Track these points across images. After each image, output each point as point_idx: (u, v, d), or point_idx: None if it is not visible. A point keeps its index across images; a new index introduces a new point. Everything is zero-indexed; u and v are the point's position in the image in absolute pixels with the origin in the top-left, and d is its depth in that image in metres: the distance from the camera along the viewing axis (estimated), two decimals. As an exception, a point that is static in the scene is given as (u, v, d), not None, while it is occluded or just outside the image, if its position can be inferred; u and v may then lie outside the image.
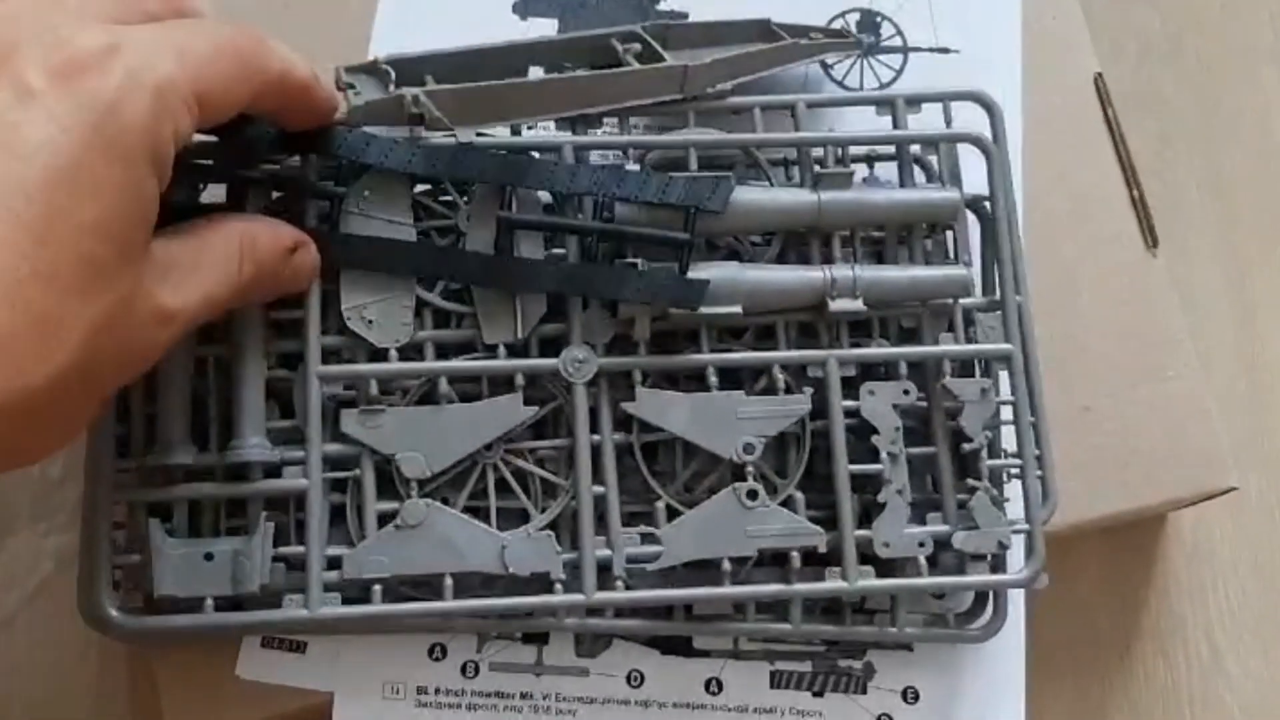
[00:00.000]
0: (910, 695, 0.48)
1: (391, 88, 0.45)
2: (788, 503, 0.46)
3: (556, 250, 0.46)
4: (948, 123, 0.49)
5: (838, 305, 0.46)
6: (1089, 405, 0.51)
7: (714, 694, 0.48)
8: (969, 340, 0.47)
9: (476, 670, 0.47)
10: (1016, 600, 0.48)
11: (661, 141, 0.47)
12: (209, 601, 0.42)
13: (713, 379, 0.46)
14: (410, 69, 0.46)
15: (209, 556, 0.42)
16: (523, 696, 0.47)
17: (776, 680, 0.48)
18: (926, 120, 0.49)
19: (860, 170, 0.50)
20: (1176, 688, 0.55)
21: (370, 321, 0.44)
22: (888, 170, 0.50)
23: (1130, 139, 0.54)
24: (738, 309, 0.45)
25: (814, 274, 0.46)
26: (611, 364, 0.45)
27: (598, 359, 0.45)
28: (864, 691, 0.48)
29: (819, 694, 0.48)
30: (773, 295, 0.46)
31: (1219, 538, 0.57)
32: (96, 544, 0.42)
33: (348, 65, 0.47)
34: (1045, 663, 0.50)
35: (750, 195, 0.46)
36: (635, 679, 0.47)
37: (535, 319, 0.45)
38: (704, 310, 0.45)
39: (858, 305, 0.46)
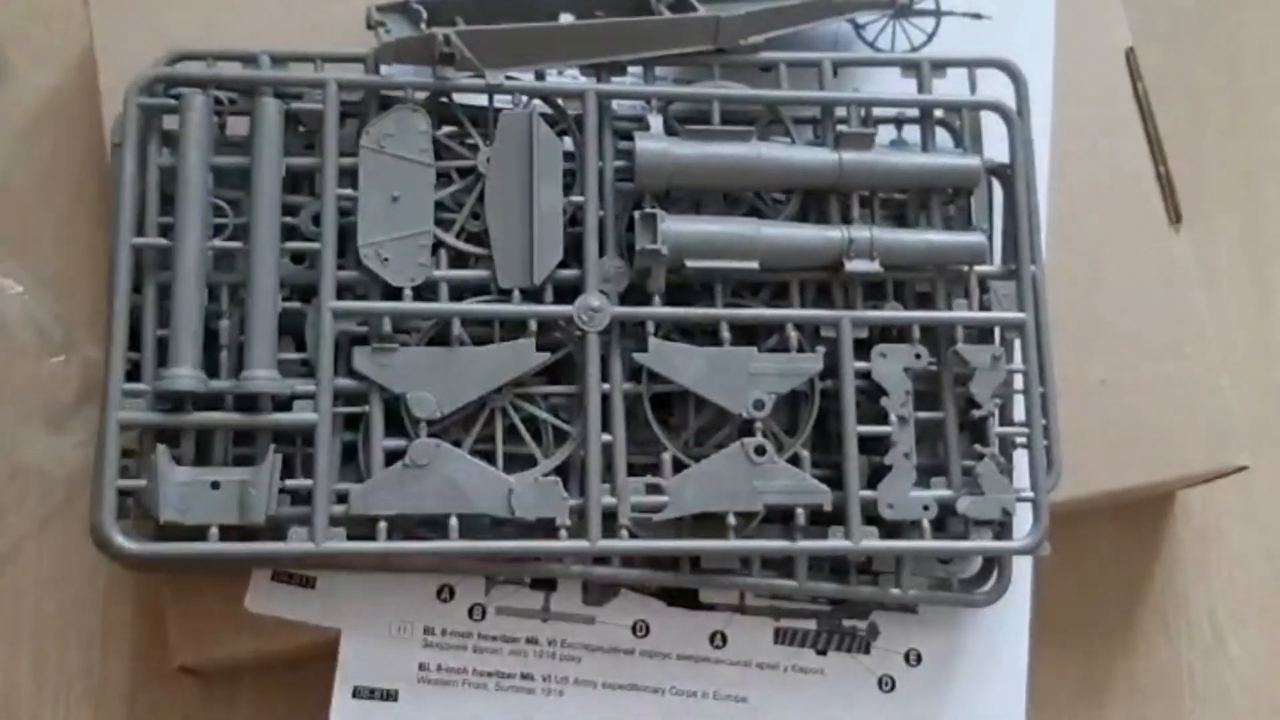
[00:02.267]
0: (913, 657, 0.48)
1: (422, 27, 0.45)
2: (795, 460, 0.46)
3: (576, 198, 0.46)
4: (972, 88, 0.49)
5: (854, 266, 0.46)
6: (1106, 378, 0.51)
7: (718, 647, 0.48)
8: (983, 307, 0.47)
9: (484, 613, 0.47)
10: (1022, 568, 0.48)
11: (686, 93, 0.47)
12: (213, 530, 0.42)
13: (725, 334, 0.46)
14: (441, 10, 0.46)
15: (215, 485, 0.42)
16: (528, 641, 0.47)
17: (781, 637, 0.48)
18: (954, 85, 0.49)
19: (888, 132, 0.50)
20: (1177, 664, 0.55)
21: (386, 259, 0.44)
22: (915, 133, 0.49)
23: (1160, 116, 0.53)
24: (754, 264, 0.45)
25: (832, 233, 0.46)
26: (625, 314, 0.45)
27: (612, 308, 0.45)
28: (867, 652, 0.48)
29: (822, 652, 0.48)
30: (790, 252, 0.46)
31: (1227, 518, 0.57)
32: (105, 467, 0.42)
33: (379, 3, 0.47)
34: (1049, 633, 0.50)
35: (772, 151, 0.46)
36: (641, 629, 0.48)
37: (551, 264, 0.45)
38: (720, 264, 0.45)
39: (874, 267, 0.46)
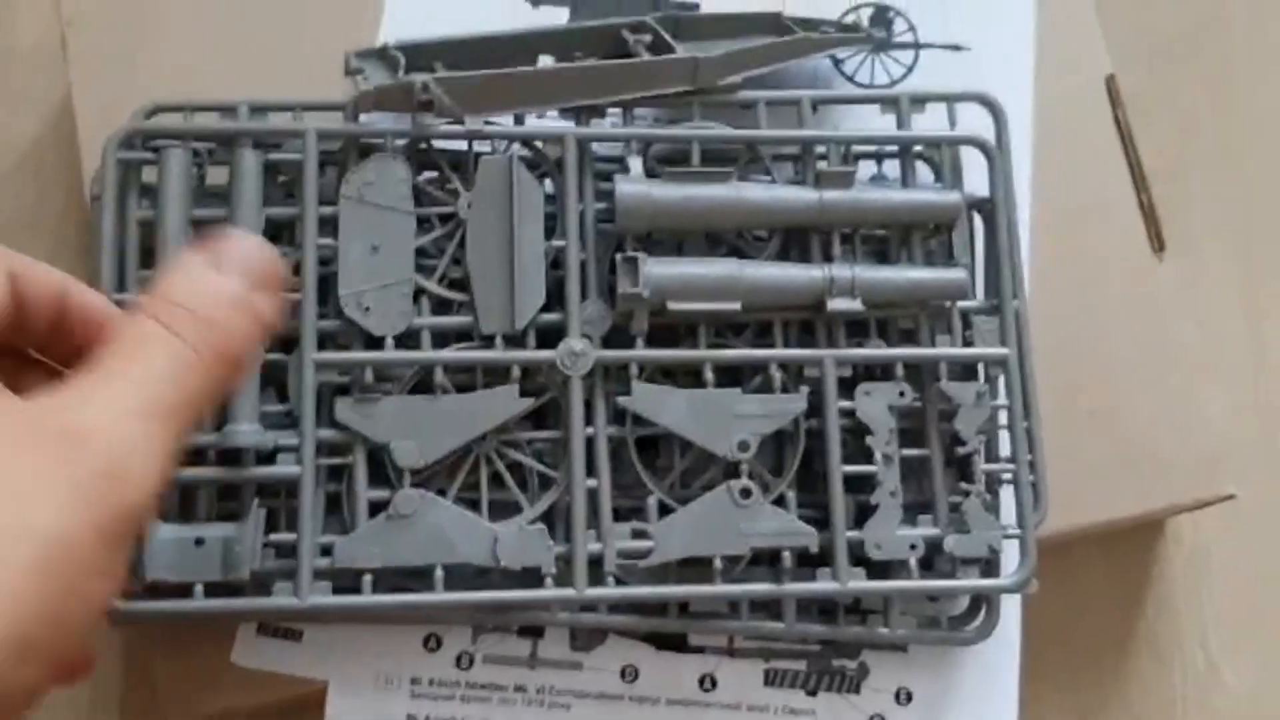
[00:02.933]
0: (904, 696, 0.48)
1: (401, 73, 0.45)
2: (780, 501, 0.46)
3: (557, 242, 0.45)
4: (952, 123, 0.49)
5: (836, 304, 0.46)
6: (1093, 408, 0.51)
7: (708, 690, 0.47)
8: (966, 343, 0.47)
9: (471, 662, 0.47)
10: (1011, 603, 0.48)
11: (665, 135, 0.47)
12: (199, 587, 0.42)
13: (709, 375, 0.45)
14: (420, 55, 0.46)
15: (199, 542, 0.42)
16: (517, 689, 0.47)
17: (771, 678, 0.48)
18: (935, 118, 0.49)
19: (868, 168, 0.50)
20: (1171, 694, 0.55)
21: (367, 309, 0.44)
22: (896, 167, 0.49)
23: (1143, 141, 0.53)
24: (737, 305, 0.45)
25: (814, 273, 0.46)
26: (608, 357, 0.45)
27: (595, 352, 0.45)
28: (858, 691, 0.48)
29: (813, 693, 0.48)
30: (772, 293, 0.46)
31: (1217, 544, 0.56)
32: None
33: (357, 50, 0.47)
34: (1041, 665, 0.50)
35: (752, 192, 0.46)
36: (629, 674, 0.47)
37: (534, 309, 0.45)
38: (702, 306, 0.45)
39: (856, 305, 0.46)
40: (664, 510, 0.45)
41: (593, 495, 0.44)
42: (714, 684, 0.47)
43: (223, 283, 0.33)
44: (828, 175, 0.47)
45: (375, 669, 0.46)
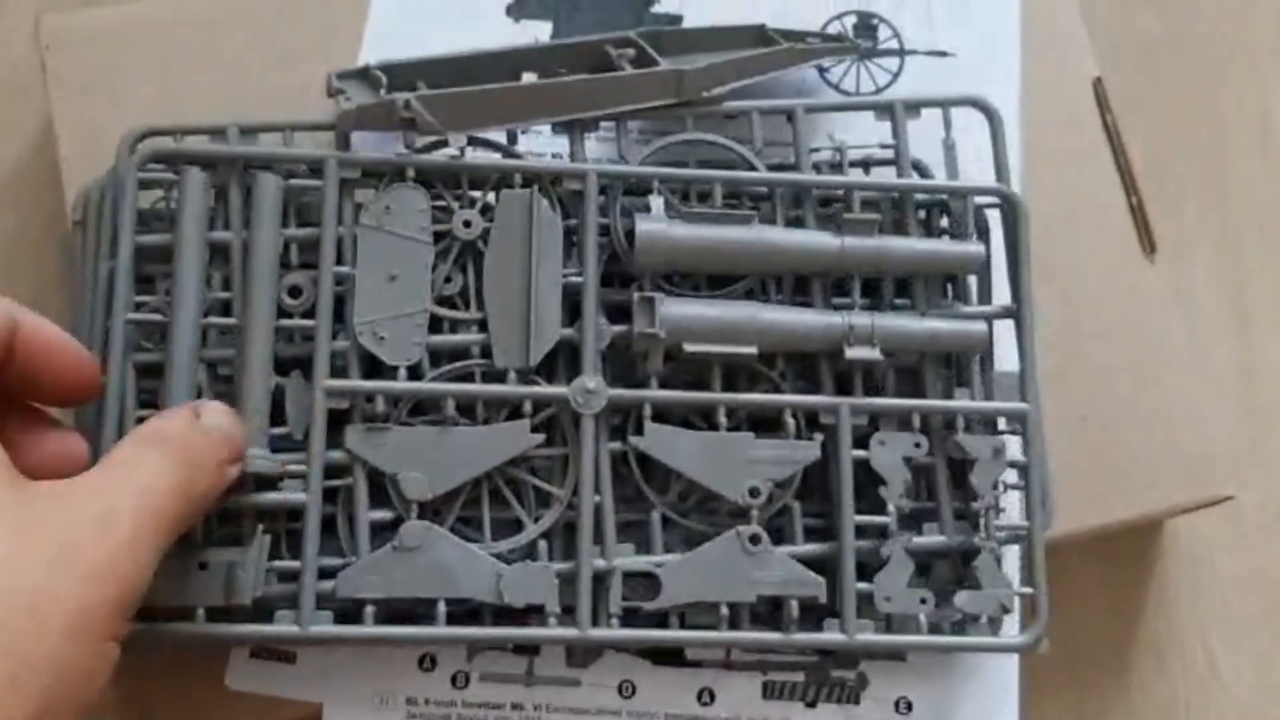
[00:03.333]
0: (903, 706, 0.47)
1: (383, 92, 0.45)
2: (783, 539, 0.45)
3: (573, 277, 0.45)
4: (947, 126, 0.49)
5: (855, 353, 0.45)
6: (1086, 413, 0.50)
7: (706, 704, 0.47)
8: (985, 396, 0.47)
9: (467, 681, 0.47)
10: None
11: (691, 175, 0.47)
12: (200, 611, 0.42)
13: (722, 419, 0.45)
14: (402, 74, 0.46)
15: (203, 565, 0.42)
16: (514, 707, 0.46)
17: (769, 691, 0.47)
18: (928, 125, 0.49)
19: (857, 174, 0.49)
20: (1173, 697, 0.55)
21: (382, 338, 0.44)
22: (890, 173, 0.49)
23: (1129, 143, 0.53)
24: (753, 349, 0.45)
25: (832, 319, 0.46)
26: (621, 397, 0.45)
27: (608, 390, 0.44)
28: (857, 702, 0.47)
29: (812, 705, 0.47)
30: (789, 338, 0.45)
31: (1216, 546, 0.56)
32: None
33: (339, 70, 0.46)
34: (1040, 673, 0.50)
35: (773, 235, 0.46)
36: (627, 689, 0.47)
37: (548, 345, 0.45)
38: (719, 349, 0.44)
39: (874, 354, 0.45)
40: (666, 523, 0.45)
41: (597, 518, 0.44)
42: (712, 698, 0.47)
43: (202, 439, 0.39)
44: (850, 223, 0.46)
45: (370, 690, 0.46)
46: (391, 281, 0.44)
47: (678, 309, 0.44)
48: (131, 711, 0.49)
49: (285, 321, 0.44)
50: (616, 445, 0.45)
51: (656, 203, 0.45)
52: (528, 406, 0.44)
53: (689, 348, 0.44)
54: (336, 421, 0.44)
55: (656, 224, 0.45)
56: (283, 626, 0.42)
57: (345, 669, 0.46)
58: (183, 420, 0.39)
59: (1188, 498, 0.50)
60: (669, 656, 0.47)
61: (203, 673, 0.46)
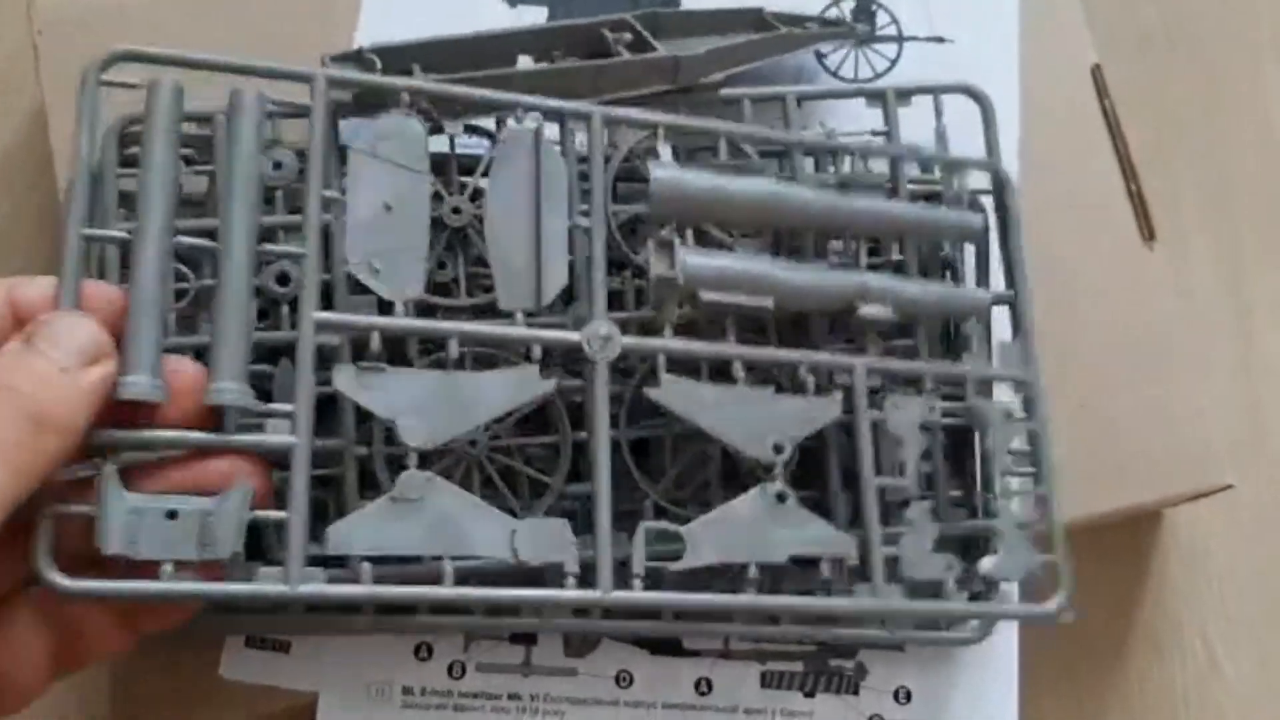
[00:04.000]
0: (902, 695, 0.47)
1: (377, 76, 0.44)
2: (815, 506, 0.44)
3: (581, 221, 0.43)
4: (938, 113, 0.48)
5: (868, 311, 0.44)
6: (1084, 402, 0.50)
7: (704, 694, 0.47)
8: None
9: (463, 670, 0.46)
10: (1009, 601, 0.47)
11: (695, 125, 0.45)
12: (168, 566, 0.35)
13: (740, 373, 0.42)
14: (396, 58, 0.46)
15: (172, 514, 0.35)
16: (510, 697, 0.46)
17: (767, 680, 0.47)
18: (920, 112, 0.48)
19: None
20: (1171, 689, 0.54)
21: (377, 270, 0.39)
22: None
23: (1128, 132, 0.53)
24: (769, 302, 0.43)
25: (848, 277, 0.44)
26: (636, 345, 0.41)
27: (622, 338, 0.41)
28: (855, 692, 0.47)
29: (810, 694, 0.47)
30: (805, 294, 0.44)
31: (1214, 538, 0.56)
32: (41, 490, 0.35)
33: (333, 54, 0.46)
34: (1039, 663, 0.50)
35: (788, 189, 0.44)
36: (624, 679, 0.47)
37: (558, 288, 0.42)
38: (736, 299, 0.42)
39: (887, 313, 0.44)
40: (659, 513, 0.44)
41: (586, 500, 0.43)
42: (710, 687, 0.47)
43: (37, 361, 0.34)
44: (858, 180, 0.46)
45: (366, 679, 0.46)
46: (387, 212, 0.40)
47: (697, 258, 0.42)
48: (125, 702, 0.49)
49: (269, 246, 0.39)
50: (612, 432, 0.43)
51: (665, 150, 0.44)
52: (537, 351, 0.40)
53: (706, 295, 0.42)
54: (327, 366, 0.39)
55: (670, 171, 0.43)
56: (267, 584, 0.36)
57: (340, 658, 0.46)
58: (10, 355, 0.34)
59: (1186, 487, 0.50)
60: (666, 646, 0.47)
61: (197, 662, 0.46)
